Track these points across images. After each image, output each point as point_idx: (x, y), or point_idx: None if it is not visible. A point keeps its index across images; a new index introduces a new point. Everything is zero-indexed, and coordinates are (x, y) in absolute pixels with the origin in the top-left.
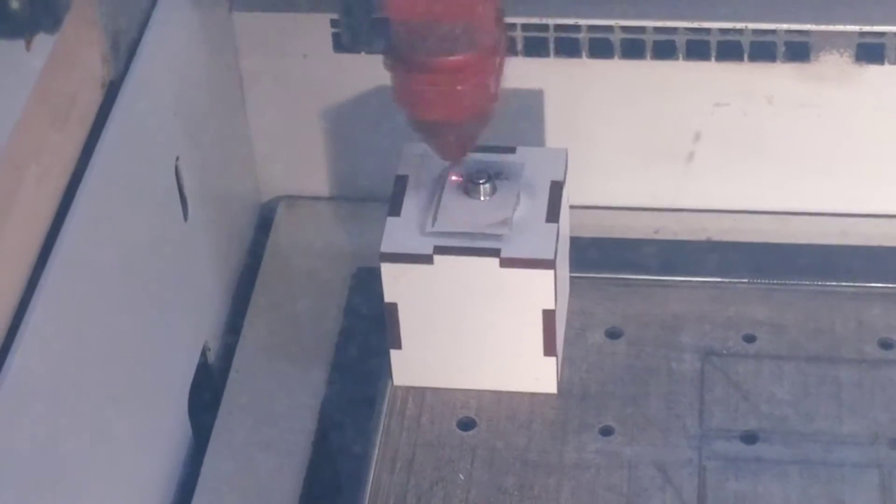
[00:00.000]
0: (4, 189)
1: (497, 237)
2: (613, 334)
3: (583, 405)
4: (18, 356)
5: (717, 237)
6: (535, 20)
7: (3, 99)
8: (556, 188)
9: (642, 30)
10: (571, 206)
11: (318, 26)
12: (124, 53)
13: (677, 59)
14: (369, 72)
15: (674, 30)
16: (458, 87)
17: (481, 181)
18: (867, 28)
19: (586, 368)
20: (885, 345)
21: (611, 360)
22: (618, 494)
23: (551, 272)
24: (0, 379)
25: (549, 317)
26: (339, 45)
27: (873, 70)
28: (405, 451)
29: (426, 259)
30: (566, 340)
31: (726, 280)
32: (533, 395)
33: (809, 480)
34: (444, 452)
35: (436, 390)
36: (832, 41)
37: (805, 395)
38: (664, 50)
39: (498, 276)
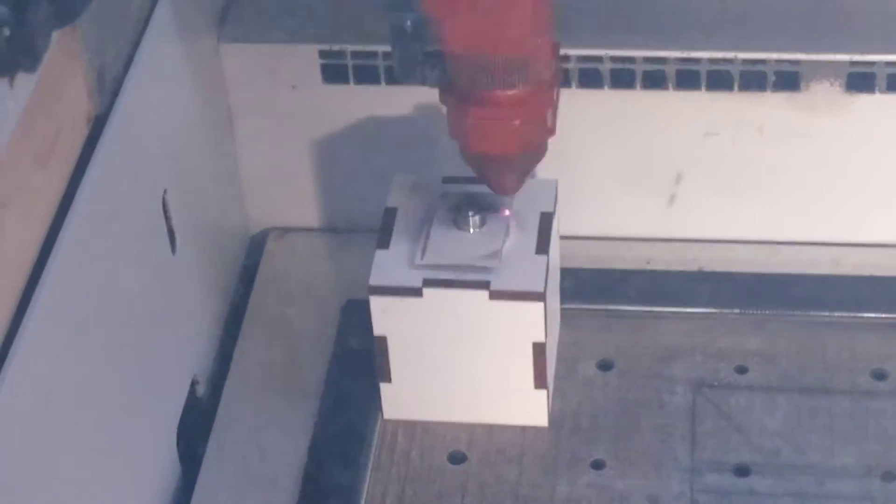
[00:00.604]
0: None
1: (486, 269)
2: (605, 366)
3: (574, 438)
4: (3, 395)
5: (708, 267)
6: None
7: None
8: (546, 219)
9: (632, 60)
10: (562, 237)
11: (307, 57)
12: (110, 87)
13: (667, 88)
14: (358, 103)
15: (664, 59)
16: (516, 122)
17: (470, 213)
18: (857, 57)
19: (577, 401)
20: (878, 375)
21: (602, 392)
22: None
23: (541, 304)
24: None
25: (539, 349)
26: (329, 76)
27: (864, 99)
28: (395, 486)
29: (415, 292)
30: (557, 372)
31: (718, 311)
32: (524, 428)
33: None
34: (435, 487)
35: (426, 424)
36: (822, 70)
37: (798, 426)
38: (654, 80)
39: (488, 309)
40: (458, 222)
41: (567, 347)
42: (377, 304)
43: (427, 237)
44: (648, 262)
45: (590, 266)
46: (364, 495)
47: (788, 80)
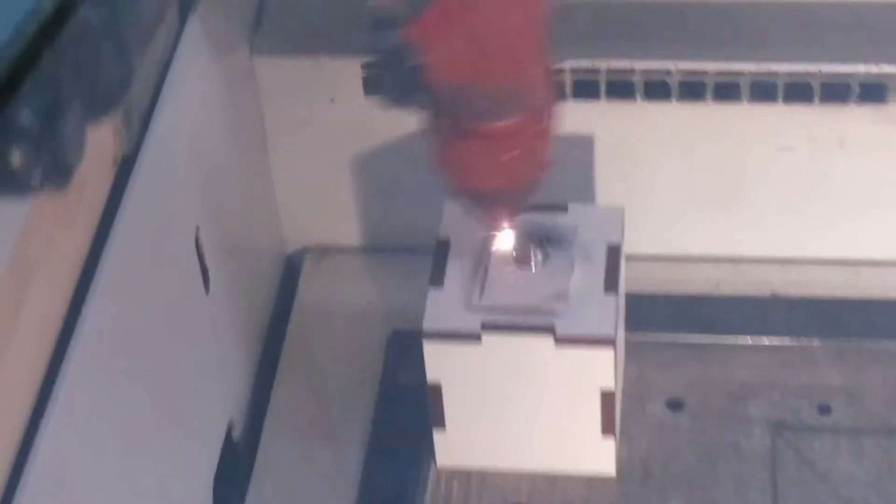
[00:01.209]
0: (10, 299)
1: (551, 312)
2: (675, 405)
3: (644, 489)
4: (41, 452)
5: (782, 291)
6: (585, 64)
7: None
8: (614, 253)
9: (703, 73)
10: (627, 257)
11: (347, 69)
12: (137, 123)
13: (741, 101)
14: (402, 115)
15: (739, 73)
16: (506, 156)
17: (533, 249)
18: None
19: (646, 445)
20: None
21: (673, 435)
22: None
23: (611, 350)
24: (25, 474)
25: (608, 398)
26: (370, 89)
27: None
28: None
29: (473, 337)
30: (623, 413)
31: (795, 342)
32: (590, 478)
33: None
34: None
35: (483, 473)
36: None
37: (890, 474)
38: (726, 92)
39: (553, 355)
40: (519, 258)
41: (633, 384)
42: (431, 349)
43: (485, 275)
44: (718, 286)
45: (653, 289)
46: None
47: (874, 92)
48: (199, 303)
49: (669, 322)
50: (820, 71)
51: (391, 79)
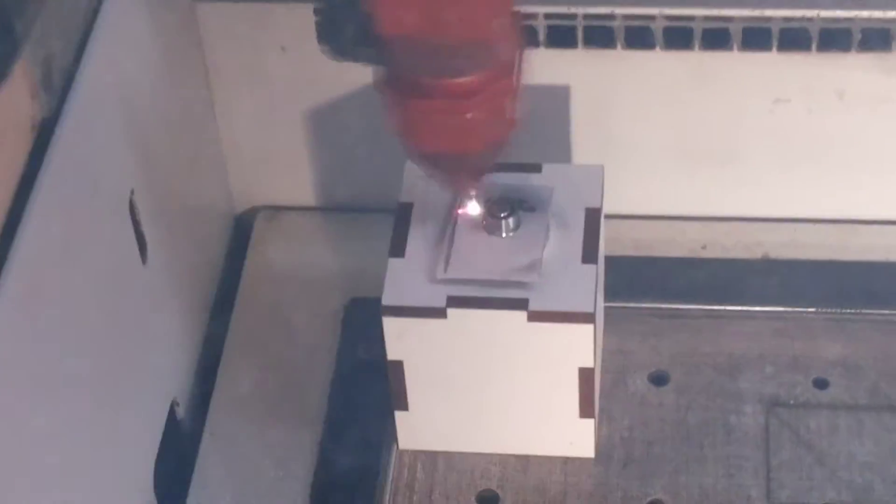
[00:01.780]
0: None
1: (524, 285)
2: (659, 379)
3: (626, 472)
4: None
5: (775, 253)
6: (560, 9)
7: None
8: (593, 217)
9: (690, 18)
10: (605, 216)
11: (299, 14)
12: (59, 83)
13: (731, 49)
14: (358, 66)
15: (729, 18)
16: (468, 115)
17: (503, 214)
18: None
19: (628, 424)
20: None
21: (657, 412)
22: None
23: (590, 326)
24: None
25: (586, 376)
26: (324, 37)
27: None
28: None
29: (438, 313)
30: (603, 388)
31: (789, 309)
32: (566, 460)
33: None
34: None
35: (449, 456)
36: None
37: (892, 455)
38: (715, 39)
39: (526, 332)
40: (489, 225)
41: (613, 356)
42: (392, 326)
43: (451, 243)
44: (705, 248)
45: (636, 253)
46: None
47: (877, 38)
48: (136, 273)
49: (652, 288)
50: (818, 16)
51: (339, 28)
